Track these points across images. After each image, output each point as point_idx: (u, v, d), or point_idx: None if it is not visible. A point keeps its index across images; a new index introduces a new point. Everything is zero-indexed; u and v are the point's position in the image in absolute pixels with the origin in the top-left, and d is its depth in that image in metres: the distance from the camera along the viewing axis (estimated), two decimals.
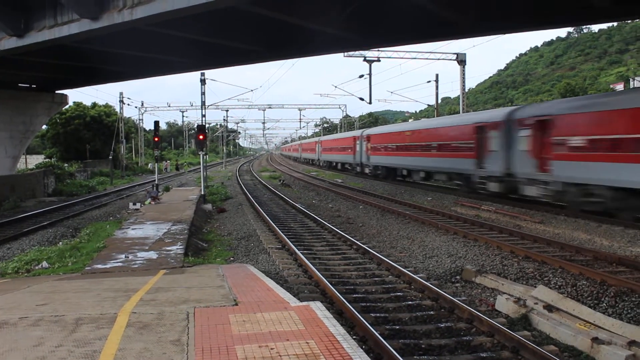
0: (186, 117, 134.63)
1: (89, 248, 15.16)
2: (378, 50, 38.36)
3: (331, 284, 10.89)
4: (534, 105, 30.83)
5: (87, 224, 21.98)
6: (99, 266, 12.32)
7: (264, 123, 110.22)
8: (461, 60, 40.61)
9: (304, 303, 8.22)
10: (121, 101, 62.92)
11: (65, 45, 22.69)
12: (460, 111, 41.55)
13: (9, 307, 8.14)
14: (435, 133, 31.47)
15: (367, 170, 44.97)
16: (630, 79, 75.13)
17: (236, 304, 8.03)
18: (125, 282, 10.12)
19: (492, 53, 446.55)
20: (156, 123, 32.21)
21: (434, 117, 50.04)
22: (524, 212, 20.92)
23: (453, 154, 28.17)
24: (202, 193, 29.04)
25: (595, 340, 7.72)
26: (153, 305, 7.95)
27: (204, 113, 33.15)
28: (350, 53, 37.43)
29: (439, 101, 50.85)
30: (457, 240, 16.06)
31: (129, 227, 18.21)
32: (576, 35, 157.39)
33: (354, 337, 7.58)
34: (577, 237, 16.13)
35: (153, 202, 26.10)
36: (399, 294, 10.76)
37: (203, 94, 33.20)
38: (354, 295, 10.55)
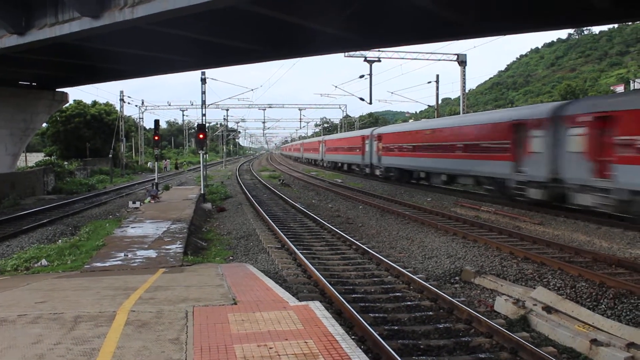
0: (186, 116, 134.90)
1: (89, 246, 15.15)
2: (379, 51, 38.38)
3: (330, 283, 10.90)
4: (591, 99, 29.44)
5: (87, 222, 21.98)
6: (98, 264, 12.32)
7: (264, 122, 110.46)
8: (462, 61, 40.61)
9: (303, 303, 8.22)
10: (122, 100, 62.96)
11: (66, 43, 22.70)
12: (460, 112, 41.52)
13: (8, 305, 8.14)
14: (461, 132, 28.05)
15: (377, 172, 41.70)
16: (631, 81, 75.08)
17: (235, 303, 8.03)
18: (124, 280, 10.12)
19: (492, 54, 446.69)
20: (156, 122, 32.23)
21: (434, 117, 49.75)
22: (524, 213, 20.91)
23: (483, 156, 25.10)
24: (202, 192, 29.04)
25: (594, 342, 7.73)
26: (152, 304, 7.95)
27: (204, 112, 33.14)
28: (351, 53, 37.46)
29: (440, 102, 50.84)
30: (456, 241, 16.06)
31: (128, 226, 18.21)
32: (577, 37, 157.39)
33: (353, 337, 7.58)
34: (576, 238, 16.13)
35: (153, 201, 26.09)
36: (398, 294, 10.76)
37: (203, 93, 33.20)
38: (353, 295, 10.55)
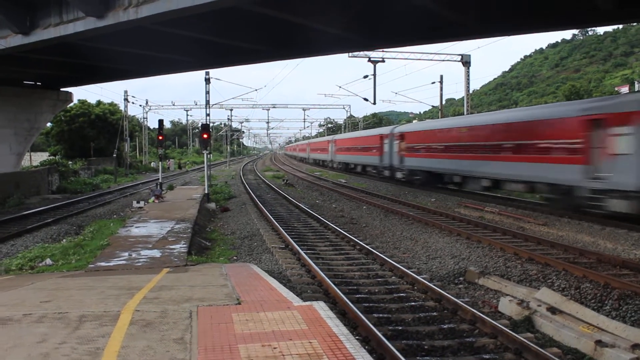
0: (190, 116, 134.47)
1: (93, 246, 15.17)
2: (382, 51, 38.35)
3: (334, 284, 10.89)
4: None
5: (91, 221, 22.02)
6: (103, 264, 12.34)
7: (267, 123, 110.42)
8: (466, 61, 40.55)
9: (307, 303, 8.21)
10: (126, 99, 63.09)
11: (71, 43, 22.78)
12: (465, 112, 41.44)
13: (13, 304, 8.15)
14: (510, 129, 24.00)
15: (399, 175, 37.20)
16: (636, 82, 74.89)
17: (239, 303, 8.04)
18: (128, 280, 10.13)
19: (496, 55, 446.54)
20: (160, 121, 32.25)
21: (438, 118, 49.47)
22: (528, 214, 20.87)
23: (541, 158, 21.22)
24: (206, 192, 29.06)
25: (599, 343, 7.70)
26: (156, 304, 7.96)
27: (208, 112, 33.15)
28: (355, 54, 37.48)
29: (444, 102, 50.78)
30: (460, 241, 16.04)
31: (132, 225, 18.23)
32: (581, 38, 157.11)
33: (357, 337, 7.58)
34: (580, 239, 16.09)
35: (157, 201, 26.13)
36: (402, 294, 10.75)
37: (207, 93, 33.19)
38: (357, 296, 10.54)
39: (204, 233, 18.84)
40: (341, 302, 9.70)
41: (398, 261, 13.38)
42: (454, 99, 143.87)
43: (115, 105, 64.42)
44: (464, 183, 28.50)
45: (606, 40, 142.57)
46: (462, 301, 9.72)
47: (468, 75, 40.77)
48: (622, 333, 8.02)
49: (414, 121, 76.37)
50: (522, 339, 7.77)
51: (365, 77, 42.23)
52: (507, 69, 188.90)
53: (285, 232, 17.45)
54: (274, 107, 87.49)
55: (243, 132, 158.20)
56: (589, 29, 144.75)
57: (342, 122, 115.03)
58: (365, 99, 44.37)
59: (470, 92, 41.99)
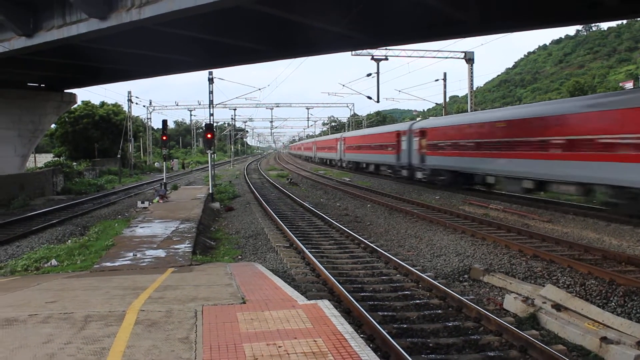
0: (194, 115, 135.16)
1: (98, 246, 15.22)
2: (386, 49, 38.31)
3: (339, 282, 10.90)
4: None
5: (96, 222, 22.09)
6: (108, 264, 12.38)
7: (271, 122, 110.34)
8: (469, 58, 40.52)
9: (312, 301, 8.21)
10: (129, 100, 63.16)
11: (74, 44, 22.82)
12: (468, 109, 41.39)
13: (19, 305, 8.19)
14: (560, 122, 20.91)
15: (419, 175, 34.19)
16: None
17: (244, 302, 8.05)
18: (133, 280, 10.17)
19: (500, 51, 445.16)
20: (164, 122, 32.33)
21: (442, 115, 49.24)
22: (533, 211, 20.84)
23: (604, 155, 18.20)
24: (210, 191, 29.12)
25: (604, 339, 7.68)
26: (161, 303, 7.98)
27: (211, 112, 33.20)
28: (358, 52, 37.42)
29: (447, 100, 50.70)
30: (465, 239, 16.02)
31: (137, 226, 18.28)
32: (585, 34, 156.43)
33: (362, 335, 7.58)
34: (585, 236, 16.05)
35: (161, 201, 26.19)
36: (406, 292, 10.75)
37: (211, 92, 33.26)
38: (362, 294, 10.55)
39: (209, 232, 18.87)
40: (346, 301, 9.71)
41: (402, 259, 13.38)
42: (458, 96, 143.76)
43: (119, 106, 64.62)
44: (498, 184, 26.25)
45: (610, 35, 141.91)
46: (466, 299, 9.71)
47: (471, 73, 40.74)
48: (628, 330, 8.00)
49: (417, 119, 75.71)
50: (527, 336, 7.76)
51: (369, 75, 42.19)
52: (510, 66, 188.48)
53: (290, 230, 17.46)
54: (277, 106, 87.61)
55: (247, 131, 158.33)
56: (593, 24, 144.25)
57: (345, 121, 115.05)
58: (369, 97, 44.32)
59: (474, 89, 41.91)
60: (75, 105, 49.22)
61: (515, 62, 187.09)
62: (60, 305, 8.04)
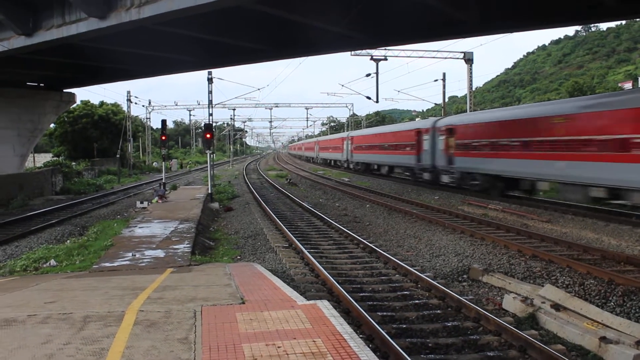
0: (193, 115, 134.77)
1: (97, 246, 15.22)
2: (385, 49, 38.25)
3: (338, 282, 10.90)
4: None
5: (95, 222, 22.07)
6: (107, 264, 12.37)
7: (270, 122, 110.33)
8: (468, 59, 40.50)
9: (311, 302, 8.22)
10: (129, 100, 63.15)
11: (73, 44, 22.84)
12: (467, 110, 41.39)
13: (18, 305, 8.18)
14: None
15: (446, 179, 30.25)
16: (639, 77, 74.69)
17: (243, 303, 8.05)
18: (132, 280, 10.16)
19: (499, 52, 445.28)
20: (163, 122, 32.25)
21: (441, 116, 49.04)
22: (532, 211, 20.83)
23: None
24: (209, 192, 29.09)
25: (603, 339, 7.69)
26: (160, 304, 7.98)
27: (211, 112, 33.15)
28: (357, 52, 37.34)
29: (446, 100, 50.69)
30: (464, 239, 16.03)
31: (136, 226, 18.27)
32: (584, 34, 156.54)
33: (361, 335, 7.57)
34: (584, 236, 16.06)
35: (160, 201, 26.18)
36: (405, 292, 10.75)
37: (210, 92, 33.21)
38: (361, 294, 10.55)
39: (208, 233, 18.87)
40: (345, 301, 9.71)
41: (401, 259, 13.39)
42: (457, 96, 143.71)
43: (119, 105, 64.64)
44: (554, 191, 22.91)
45: (609, 36, 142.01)
46: (466, 299, 9.72)
47: (471, 73, 40.72)
48: (627, 329, 8.01)
49: (417, 119, 74.93)
50: (526, 336, 7.76)
51: (368, 75, 42.07)
52: (509, 66, 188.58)
53: (289, 231, 17.46)
54: (276, 106, 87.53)
55: (246, 131, 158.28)
56: (592, 25, 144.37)
57: (345, 121, 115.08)
58: (368, 97, 44.16)
59: (473, 89, 41.91)
60: (75, 105, 49.24)
61: (515, 63, 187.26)
62: (59, 305, 8.04)
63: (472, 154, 27.28)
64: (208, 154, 31.97)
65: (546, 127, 21.46)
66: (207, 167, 35.57)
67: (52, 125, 54.60)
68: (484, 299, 10.49)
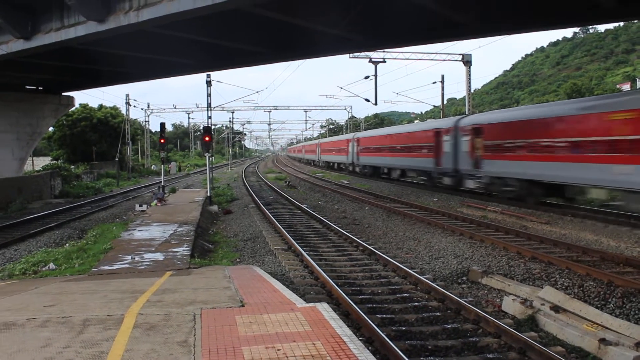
0: (192, 118, 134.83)
1: (96, 249, 15.20)
2: (383, 52, 38.27)
3: (337, 285, 10.89)
4: None
5: (94, 225, 22.04)
6: (106, 267, 12.36)
7: (269, 124, 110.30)
8: (467, 61, 40.53)
9: (311, 304, 8.22)
10: (127, 103, 63.17)
11: (72, 47, 22.79)
12: (466, 112, 41.40)
13: (17, 308, 8.17)
14: None
15: (472, 184, 27.18)
16: (637, 79, 74.82)
17: (243, 305, 8.05)
18: (131, 283, 10.16)
19: (498, 54, 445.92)
20: (162, 125, 32.25)
21: (440, 118, 49.15)
22: (530, 212, 20.83)
23: None
24: (208, 194, 29.08)
25: (603, 341, 7.69)
26: (160, 307, 7.97)
27: (209, 115, 33.19)
28: (356, 54, 37.40)
29: (445, 102, 50.74)
30: (463, 241, 16.03)
31: (135, 229, 18.25)
32: (582, 36, 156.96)
33: (361, 338, 7.56)
34: (583, 237, 16.07)
35: (159, 204, 26.16)
36: (405, 295, 10.74)
37: (209, 95, 33.24)
38: (360, 297, 10.54)
39: (207, 236, 18.86)
40: (344, 303, 9.70)
41: (401, 261, 13.38)
42: (455, 98, 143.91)
43: (117, 109, 64.61)
44: (615, 200, 20.12)
45: (607, 37, 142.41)
46: (465, 301, 9.72)
47: (469, 75, 40.75)
48: (626, 331, 8.01)
49: (415, 121, 74.48)
50: (525, 338, 7.76)
51: (367, 77, 42.10)
52: (508, 68, 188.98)
53: (288, 233, 17.45)
54: (275, 109, 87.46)
55: (245, 134, 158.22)
56: (590, 26, 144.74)
57: (343, 123, 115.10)
58: (367, 100, 44.12)
59: (472, 91, 41.94)
60: (73, 108, 49.21)
61: (513, 65, 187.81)
62: (58, 309, 8.03)
63: (505, 156, 24.05)
64: (207, 157, 31.97)
65: (604, 125, 18.38)
66: (206, 170, 35.58)
67: (50, 129, 54.59)
68: (483, 301, 10.48)
